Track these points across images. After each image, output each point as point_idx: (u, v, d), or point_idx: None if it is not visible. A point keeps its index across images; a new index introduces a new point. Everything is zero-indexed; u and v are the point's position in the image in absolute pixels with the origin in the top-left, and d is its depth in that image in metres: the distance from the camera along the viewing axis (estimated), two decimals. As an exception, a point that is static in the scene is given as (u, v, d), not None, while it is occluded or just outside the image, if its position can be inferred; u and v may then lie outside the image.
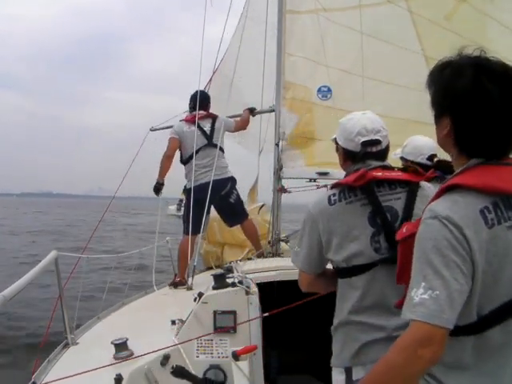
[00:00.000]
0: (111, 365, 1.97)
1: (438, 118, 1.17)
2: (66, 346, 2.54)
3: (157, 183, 4.26)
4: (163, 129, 4.96)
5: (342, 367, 1.62)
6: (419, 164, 2.64)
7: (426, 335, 0.97)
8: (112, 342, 2.09)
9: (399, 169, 1.74)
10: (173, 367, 1.93)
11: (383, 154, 1.73)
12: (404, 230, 1.23)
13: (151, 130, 5.02)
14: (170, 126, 4.94)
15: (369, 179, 1.62)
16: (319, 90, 4.20)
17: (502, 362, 1.09)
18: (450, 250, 1.01)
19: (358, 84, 4.03)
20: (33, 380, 2.10)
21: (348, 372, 1.60)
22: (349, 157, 1.75)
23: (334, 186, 1.72)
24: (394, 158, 2.83)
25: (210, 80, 5.11)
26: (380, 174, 1.65)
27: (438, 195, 1.12)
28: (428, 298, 0.99)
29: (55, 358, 2.38)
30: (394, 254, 1.54)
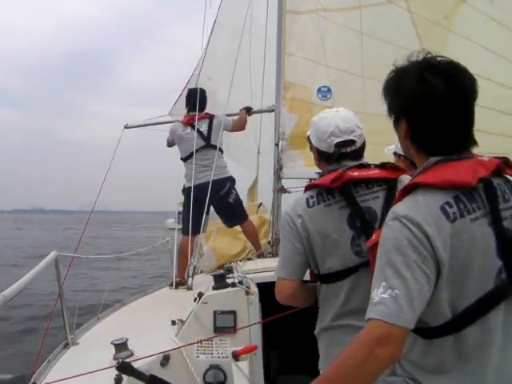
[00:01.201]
0: (112, 367, 1.96)
1: (396, 123, 1.19)
2: (66, 346, 2.54)
3: None
4: (137, 127, 4.93)
5: None
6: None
7: (384, 334, 0.96)
8: (112, 343, 2.09)
9: (376, 166, 1.68)
10: (118, 362, 1.83)
11: (358, 154, 1.68)
12: (373, 237, 1.22)
13: (125, 127, 4.93)
14: (145, 125, 4.95)
15: (345, 180, 1.58)
16: (319, 90, 4.20)
17: (484, 360, 1.07)
18: (410, 250, 1.00)
19: (357, 84, 4.03)
20: (33, 380, 2.09)
21: None
22: (322, 157, 1.71)
23: (309, 187, 1.68)
24: (387, 153, 2.85)
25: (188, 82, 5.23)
26: (356, 173, 1.60)
27: (400, 197, 1.12)
28: (388, 298, 0.98)
29: (55, 358, 2.38)
30: None
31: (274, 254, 4.07)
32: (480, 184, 1.06)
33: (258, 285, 2.45)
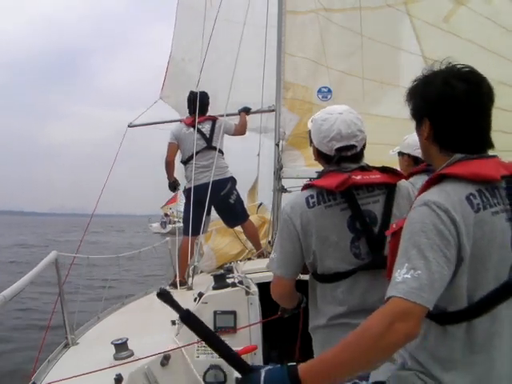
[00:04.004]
0: (112, 367, 1.96)
1: (419, 124, 1.25)
2: (66, 346, 2.54)
3: (170, 183, 4.38)
4: (141, 125, 4.93)
5: None
6: (414, 157, 2.69)
7: (404, 310, 0.98)
8: (112, 342, 2.10)
9: (376, 168, 1.70)
10: (160, 288, 1.87)
11: (359, 156, 1.69)
12: (394, 225, 1.26)
13: (129, 126, 4.94)
14: (149, 123, 4.93)
15: (349, 185, 1.58)
16: (319, 91, 4.21)
17: (493, 351, 1.11)
18: (435, 234, 1.04)
19: (357, 85, 4.04)
20: (33, 380, 2.10)
21: None
22: (322, 157, 1.72)
23: (309, 186, 1.68)
24: (391, 155, 2.86)
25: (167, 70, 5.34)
26: (359, 177, 1.61)
27: (426, 187, 1.17)
28: (410, 277, 1.01)
29: (55, 358, 2.38)
30: (374, 259, 1.58)
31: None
32: (502, 181, 1.13)
33: (258, 285, 2.45)
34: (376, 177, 1.65)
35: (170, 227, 36.02)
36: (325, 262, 1.61)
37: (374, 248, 1.59)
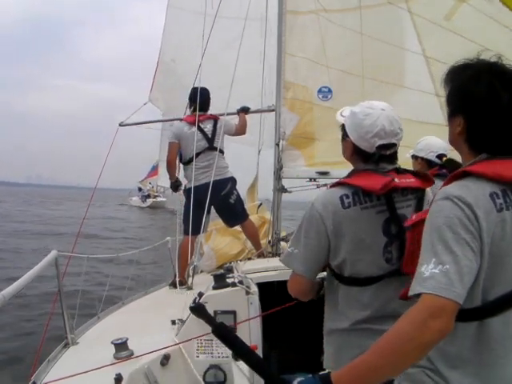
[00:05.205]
0: (111, 364, 1.96)
1: (452, 116, 1.23)
2: (66, 345, 2.54)
3: (172, 183, 4.35)
4: (132, 125, 4.91)
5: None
6: (428, 160, 2.70)
7: (436, 307, 0.98)
8: (112, 342, 2.09)
9: (409, 171, 1.66)
10: (194, 301, 1.85)
11: (395, 157, 1.65)
12: (413, 217, 1.25)
13: (120, 125, 4.86)
14: (141, 123, 4.91)
15: (391, 187, 1.53)
16: (320, 91, 4.21)
17: (502, 353, 1.10)
18: (460, 228, 1.03)
19: (358, 85, 4.04)
20: (33, 380, 2.09)
21: None
22: (359, 154, 1.62)
23: (341, 184, 1.59)
24: (407, 157, 2.88)
25: (156, 69, 5.37)
26: (398, 180, 1.56)
27: (448, 181, 1.16)
28: (438, 273, 1.00)
29: (55, 357, 2.38)
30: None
31: (274, 254, 4.07)
32: None
33: (258, 284, 2.45)
34: (411, 181, 1.60)
35: (150, 201, 36.15)
36: (356, 266, 1.55)
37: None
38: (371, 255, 1.54)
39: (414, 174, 1.66)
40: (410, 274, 1.13)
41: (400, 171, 1.63)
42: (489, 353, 1.10)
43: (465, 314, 1.07)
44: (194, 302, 1.76)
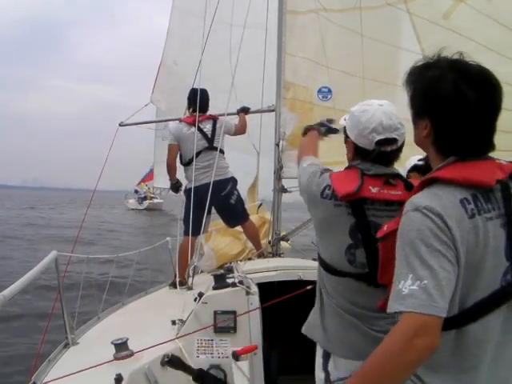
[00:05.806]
0: (110, 361, 1.96)
1: (417, 118, 1.20)
2: (66, 346, 2.54)
3: (172, 184, 4.32)
4: (132, 125, 4.91)
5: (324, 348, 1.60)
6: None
7: (419, 325, 0.96)
8: (112, 342, 2.09)
9: (405, 183, 1.57)
10: (167, 356, 1.83)
11: (397, 154, 1.60)
12: (385, 227, 1.22)
13: (120, 125, 4.86)
14: (140, 123, 4.91)
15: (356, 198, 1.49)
16: (319, 91, 4.20)
17: (480, 358, 1.08)
18: (433, 240, 1.01)
19: (358, 85, 4.04)
20: (33, 380, 2.10)
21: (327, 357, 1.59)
22: (359, 153, 1.61)
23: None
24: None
25: (158, 71, 5.39)
26: (375, 191, 1.51)
27: (417, 190, 1.13)
28: (417, 289, 0.98)
29: (55, 358, 2.38)
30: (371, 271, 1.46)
31: (274, 254, 4.08)
32: (497, 185, 1.08)
33: (258, 285, 2.45)
34: (397, 193, 1.55)
35: (146, 203, 36.09)
36: (326, 251, 1.55)
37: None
38: (335, 249, 1.54)
39: (407, 187, 1.56)
40: (387, 286, 1.12)
41: (390, 184, 1.54)
42: (470, 358, 1.08)
43: (444, 323, 1.04)
44: (167, 356, 1.78)
